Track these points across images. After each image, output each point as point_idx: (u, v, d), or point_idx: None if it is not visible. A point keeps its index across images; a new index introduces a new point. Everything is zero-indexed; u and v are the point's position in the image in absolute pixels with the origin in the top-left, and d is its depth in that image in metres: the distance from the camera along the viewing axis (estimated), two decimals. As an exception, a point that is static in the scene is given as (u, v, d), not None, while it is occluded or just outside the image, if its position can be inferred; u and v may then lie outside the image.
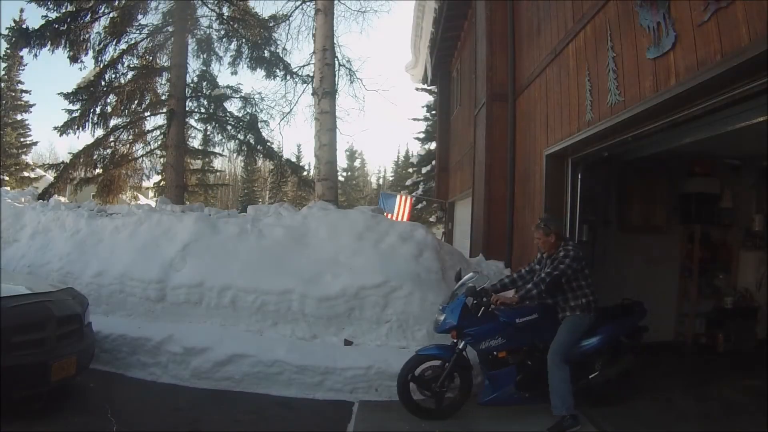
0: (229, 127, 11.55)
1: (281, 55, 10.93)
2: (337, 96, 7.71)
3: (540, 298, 3.63)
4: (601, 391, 3.78)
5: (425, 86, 15.50)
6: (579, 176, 4.42)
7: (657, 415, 3.77)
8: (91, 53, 10.12)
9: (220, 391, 4.07)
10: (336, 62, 7.94)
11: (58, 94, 11.51)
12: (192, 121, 11.70)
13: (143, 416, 3.53)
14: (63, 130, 10.37)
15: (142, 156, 11.56)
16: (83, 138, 32.91)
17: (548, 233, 3.72)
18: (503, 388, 3.60)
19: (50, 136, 72.83)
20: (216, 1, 11.00)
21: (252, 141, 11.51)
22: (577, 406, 3.44)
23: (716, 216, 5.80)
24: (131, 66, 10.84)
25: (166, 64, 11.10)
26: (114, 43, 10.28)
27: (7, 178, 18.80)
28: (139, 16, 10.37)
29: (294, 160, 17.65)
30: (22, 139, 20.92)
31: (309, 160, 33.35)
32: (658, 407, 3.92)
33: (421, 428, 3.52)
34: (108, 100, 10.69)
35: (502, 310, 3.68)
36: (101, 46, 10.14)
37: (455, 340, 3.64)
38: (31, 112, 21.12)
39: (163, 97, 11.24)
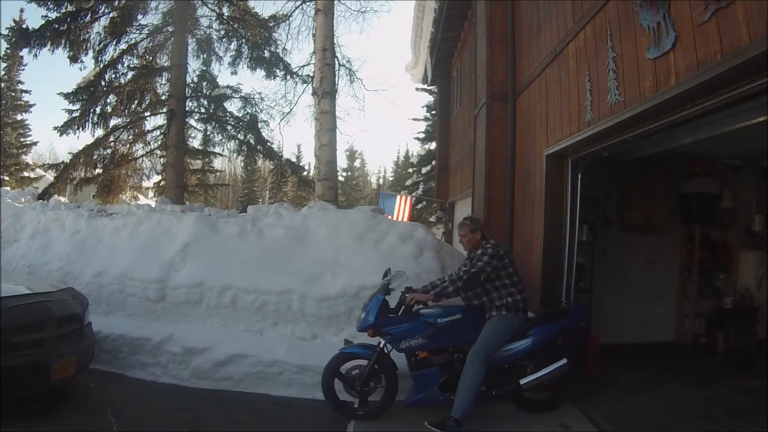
0: (229, 127, 11.56)
1: (281, 55, 10.96)
2: (337, 96, 7.73)
3: (457, 295, 3.55)
4: (533, 395, 3.69)
5: (425, 86, 15.50)
6: (579, 176, 4.42)
7: (657, 415, 3.77)
8: (91, 53, 10.16)
9: (220, 391, 4.07)
10: (336, 62, 7.95)
11: (58, 94, 11.54)
12: (192, 121, 11.73)
13: (143, 416, 3.53)
14: (63, 130, 10.38)
15: (142, 156, 11.58)
16: (83, 138, 32.99)
17: (474, 230, 3.69)
18: (427, 389, 3.53)
19: (50, 136, 72.79)
20: (216, 1, 11.01)
21: (252, 141, 11.52)
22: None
23: (716, 216, 5.80)
24: (131, 66, 10.86)
25: (166, 64, 11.11)
26: (114, 43, 10.31)
27: (7, 178, 18.80)
28: (139, 16, 10.40)
29: (294, 160, 17.62)
30: (22, 139, 20.92)
31: (309, 160, 33.34)
32: (658, 407, 3.92)
33: (421, 428, 3.52)
34: (108, 100, 10.71)
35: (425, 311, 3.60)
36: (101, 46, 10.16)
37: (380, 340, 3.58)
38: (31, 112, 21.16)
39: (163, 97, 11.25)
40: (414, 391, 3.58)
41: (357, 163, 43.76)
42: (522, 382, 3.58)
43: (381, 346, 3.58)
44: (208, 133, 11.93)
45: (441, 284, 3.59)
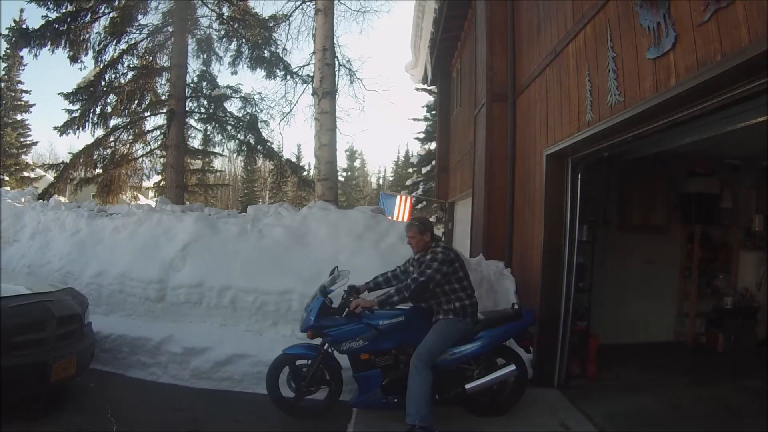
0: (229, 127, 11.57)
1: (281, 55, 10.97)
2: (337, 96, 7.73)
3: (403, 303, 3.45)
4: (480, 400, 3.63)
5: (425, 86, 15.50)
6: (579, 176, 4.41)
7: (657, 415, 3.77)
8: (91, 53, 10.17)
9: (220, 391, 4.07)
10: (336, 62, 7.96)
11: (58, 94, 11.55)
12: (192, 121, 11.73)
13: (143, 416, 3.53)
14: (63, 130, 10.38)
15: (142, 156, 11.60)
16: (83, 138, 32.99)
17: (423, 231, 3.55)
18: (370, 391, 3.48)
19: (50, 136, 72.92)
20: (216, 1, 11.02)
21: (252, 141, 11.53)
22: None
23: (716, 216, 5.81)
24: (131, 66, 10.88)
25: (166, 64, 11.12)
26: (114, 43, 10.32)
27: (7, 178, 18.80)
28: (139, 16, 10.39)
29: (294, 160, 17.63)
30: (22, 139, 20.93)
31: (309, 160, 33.39)
32: (658, 407, 3.92)
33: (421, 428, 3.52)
34: (108, 100, 10.72)
35: (367, 312, 3.50)
36: (101, 46, 10.17)
37: (322, 341, 3.54)
38: (31, 112, 21.19)
39: (163, 97, 11.26)
40: (358, 393, 3.54)
41: (357, 163, 43.84)
42: (467, 387, 3.51)
43: (326, 346, 3.55)
44: (208, 133, 11.96)
45: (386, 292, 3.43)
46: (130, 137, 11.33)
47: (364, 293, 3.74)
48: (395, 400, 3.44)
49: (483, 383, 3.53)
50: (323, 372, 3.59)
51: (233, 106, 11.70)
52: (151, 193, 20.31)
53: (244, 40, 10.93)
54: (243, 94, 11.44)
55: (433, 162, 15.40)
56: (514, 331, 3.65)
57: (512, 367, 3.61)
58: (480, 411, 3.65)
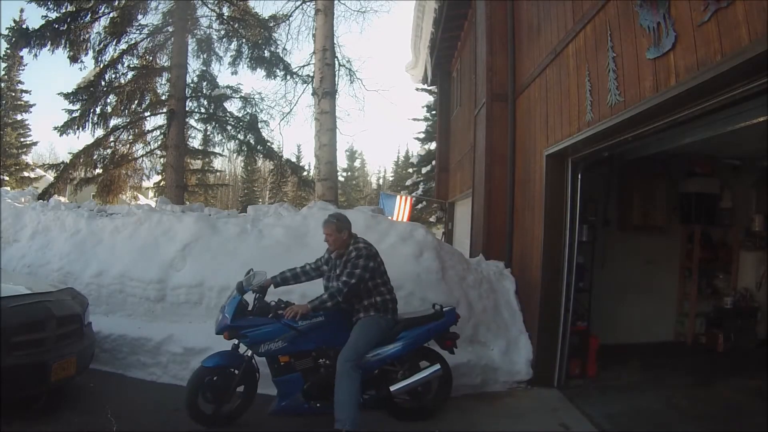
0: (229, 127, 11.57)
1: (281, 55, 10.98)
2: (337, 96, 7.73)
3: (337, 309, 3.31)
4: (406, 402, 3.55)
5: (425, 86, 15.50)
6: (579, 176, 4.41)
7: (657, 415, 3.77)
8: (91, 53, 10.17)
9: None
10: (336, 62, 7.96)
11: (58, 94, 11.53)
12: (192, 121, 11.73)
13: (143, 416, 3.53)
14: (63, 130, 10.38)
15: (142, 156, 11.60)
16: (83, 138, 32.97)
17: (340, 229, 3.41)
18: (290, 396, 3.30)
19: (50, 136, 72.96)
20: (216, 1, 11.02)
21: (252, 141, 11.53)
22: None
23: (716, 216, 5.81)
24: (131, 66, 10.87)
25: (166, 64, 11.12)
26: (114, 43, 10.32)
27: (7, 178, 18.81)
28: (139, 16, 10.39)
29: (294, 160, 17.65)
30: (22, 139, 20.94)
31: (309, 160, 33.41)
32: (658, 407, 3.92)
33: (421, 428, 3.52)
34: (108, 100, 10.72)
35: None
36: (101, 46, 10.17)
37: (236, 342, 3.36)
38: (31, 112, 21.22)
39: (163, 97, 11.26)
40: (277, 399, 3.35)
41: (357, 163, 43.81)
42: (392, 388, 3.41)
43: (250, 355, 3.36)
44: (208, 133, 11.97)
45: (319, 298, 3.28)
46: (130, 137, 11.33)
47: (270, 288, 3.54)
48: (317, 405, 3.31)
49: (408, 384, 3.44)
50: (239, 379, 3.37)
51: (233, 106, 11.77)
52: (151, 193, 20.34)
53: (244, 40, 10.94)
54: (243, 94, 11.46)
55: (433, 162, 15.40)
56: (435, 331, 3.57)
57: (437, 367, 3.52)
58: (404, 415, 3.54)
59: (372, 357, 3.36)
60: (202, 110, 11.58)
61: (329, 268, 3.52)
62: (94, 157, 10.83)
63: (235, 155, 12.23)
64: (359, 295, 3.35)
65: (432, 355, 3.62)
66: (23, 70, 20.65)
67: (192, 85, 11.19)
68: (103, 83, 10.53)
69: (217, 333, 3.38)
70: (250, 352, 3.37)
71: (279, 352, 3.30)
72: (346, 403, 3.10)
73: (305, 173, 14.62)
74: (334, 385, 3.19)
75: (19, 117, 20.82)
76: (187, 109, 11.04)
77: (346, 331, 3.33)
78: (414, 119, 20.30)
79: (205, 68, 11.39)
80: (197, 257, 4.97)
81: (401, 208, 11.63)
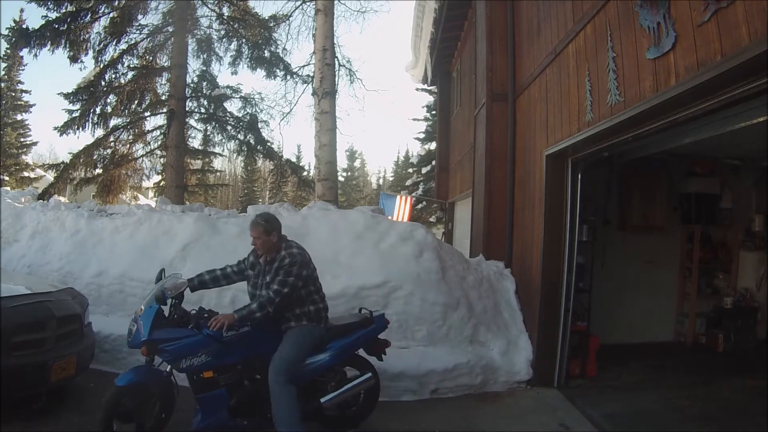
0: (229, 127, 11.57)
1: (281, 55, 10.97)
2: (337, 96, 7.73)
3: (265, 318, 3.04)
4: (338, 414, 3.38)
5: (425, 86, 15.50)
6: (579, 176, 4.42)
7: (657, 415, 3.77)
8: (91, 53, 10.16)
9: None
10: (336, 62, 7.96)
11: (58, 94, 11.53)
12: (192, 121, 11.73)
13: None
14: (63, 130, 10.38)
15: (142, 156, 11.59)
16: (83, 138, 32.93)
17: (269, 231, 3.14)
18: (215, 414, 3.01)
19: (50, 136, 72.96)
20: (216, 1, 11.01)
21: (252, 141, 11.53)
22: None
23: (716, 216, 5.81)
24: (131, 66, 10.87)
25: (166, 64, 11.11)
26: (114, 43, 10.31)
27: (7, 178, 18.81)
28: (139, 16, 10.39)
29: (294, 160, 17.66)
30: (22, 139, 20.93)
31: (309, 160, 33.41)
32: (658, 407, 3.92)
33: (421, 428, 3.52)
34: (108, 100, 10.71)
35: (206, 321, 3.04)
36: (101, 46, 10.16)
37: (148, 360, 3.00)
38: (31, 112, 21.21)
39: (163, 97, 11.26)
40: (200, 417, 3.02)
41: (357, 163, 43.81)
42: (323, 400, 3.22)
43: (168, 370, 3.01)
44: (208, 133, 11.95)
45: (247, 308, 3.00)
46: (130, 137, 11.33)
47: (186, 291, 3.22)
48: (245, 422, 3.07)
49: (338, 395, 3.25)
50: (155, 397, 3.01)
51: (233, 106, 11.77)
52: (151, 193, 20.33)
53: (244, 40, 10.94)
54: (243, 94, 11.45)
55: (433, 162, 15.40)
56: (365, 339, 3.40)
57: (368, 375, 3.36)
58: (333, 424, 3.38)
59: (302, 368, 3.13)
60: (202, 110, 11.58)
61: (256, 273, 3.24)
62: (94, 157, 10.82)
63: (235, 155, 12.23)
64: (291, 303, 3.11)
65: (360, 362, 3.44)
66: (23, 70, 20.68)
67: (192, 85, 11.19)
68: (103, 83, 10.53)
69: (132, 347, 3.09)
70: (168, 367, 3.03)
71: (202, 367, 2.99)
72: (288, 419, 2.91)
73: (305, 173, 14.62)
74: (262, 401, 3.01)
75: (19, 117, 20.82)
76: (187, 109, 11.03)
77: (274, 341, 3.10)
78: (414, 119, 20.31)
79: (205, 68, 11.40)
80: (197, 257, 4.96)
81: (401, 208, 11.63)
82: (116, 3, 10.15)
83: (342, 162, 39.44)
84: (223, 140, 11.75)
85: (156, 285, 3.19)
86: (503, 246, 5.67)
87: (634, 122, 3.24)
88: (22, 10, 18.21)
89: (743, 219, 5.92)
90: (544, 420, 3.65)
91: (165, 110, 10.87)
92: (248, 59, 11.02)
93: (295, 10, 9.73)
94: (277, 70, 10.96)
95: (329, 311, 3.36)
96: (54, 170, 11.38)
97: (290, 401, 2.94)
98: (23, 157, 21.11)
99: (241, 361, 3.09)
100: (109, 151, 11.03)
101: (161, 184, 14.48)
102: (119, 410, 2.92)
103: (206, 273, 3.33)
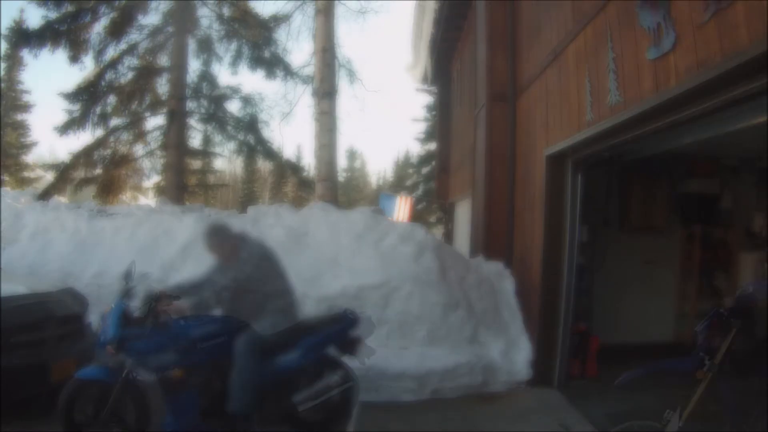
0: (229, 128, 11.56)
1: (281, 55, 10.96)
2: (337, 96, 7.74)
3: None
4: (310, 415, 3.18)
5: (425, 86, 15.51)
6: (579, 177, 4.42)
7: (657, 415, 3.76)
8: (91, 53, 10.14)
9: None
10: (336, 63, 7.97)
11: (58, 94, 11.50)
12: (192, 122, 11.71)
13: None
14: (63, 130, 10.37)
15: (142, 156, 11.57)
16: (83, 138, 32.83)
17: (222, 242, 3.19)
18: (185, 417, 2.89)
19: (50, 136, 72.97)
20: (216, 1, 11.02)
21: (252, 141, 11.52)
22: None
23: (716, 216, 5.80)
24: (131, 66, 10.85)
25: (166, 65, 11.11)
26: (114, 43, 10.30)
27: (7, 178, 18.79)
28: (139, 17, 10.38)
29: (294, 160, 17.61)
30: (22, 139, 20.91)
31: (309, 161, 33.36)
32: (658, 407, 3.92)
33: (421, 428, 3.52)
34: (108, 101, 10.70)
35: (176, 319, 2.99)
36: (101, 46, 10.15)
37: (124, 361, 2.92)
38: (31, 112, 21.15)
39: (163, 98, 11.25)
40: (170, 420, 2.90)
41: (357, 164, 43.83)
42: (296, 399, 3.09)
43: (126, 370, 2.89)
44: (208, 133, 11.95)
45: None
46: (130, 137, 11.32)
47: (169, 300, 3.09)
48: (217, 425, 2.97)
49: (312, 393, 3.11)
50: (124, 397, 2.93)
51: (233, 107, 11.70)
52: (151, 194, 20.33)
53: (244, 41, 10.93)
54: (243, 94, 11.45)
55: (433, 162, 15.42)
56: (334, 336, 3.24)
57: (342, 373, 3.22)
58: (308, 429, 3.23)
59: (274, 368, 3.06)
60: (202, 110, 11.58)
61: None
62: (94, 158, 10.82)
63: (235, 155, 12.24)
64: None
65: (333, 363, 3.28)
66: (23, 70, 20.65)
67: (192, 85, 11.19)
68: (103, 83, 10.53)
69: (100, 347, 2.96)
70: (130, 365, 2.91)
71: (171, 367, 2.88)
72: (240, 391, 2.90)
73: (305, 173, 14.61)
74: None
75: (19, 117, 20.80)
76: (187, 109, 11.03)
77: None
78: (414, 120, 20.32)
79: (205, 68, 11.40)
80: (197, 257, 4.96)
81: (401, 209, 11.64)
82: (116, 3, 10.15)
83: (342, 162, 39.50)
84: (223, 140, 11.76)
85: (124, 281, 3.09)
86: (503, 246, 5.67)
87: (634, 122, 3.24)
88: (22, 10, 18.15)
89: (743, 219, 5.91)
90: (544, 420, 3.65)
91: (165, 110, 10.87)
92: (248, 59, 11.01)
93: (295, 11, 9.76)
94: (277, 71, 10.95)
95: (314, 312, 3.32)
96: (54, 170, 11.36)
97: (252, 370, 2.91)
98: (23, 157, 21.09)
99: (216, 359, 2.98)
100: (109, 151, 11.01)
101: (161, 184, 14.47)
102: (77, 405, 2.87)
103: (185, 283, 3.26)
